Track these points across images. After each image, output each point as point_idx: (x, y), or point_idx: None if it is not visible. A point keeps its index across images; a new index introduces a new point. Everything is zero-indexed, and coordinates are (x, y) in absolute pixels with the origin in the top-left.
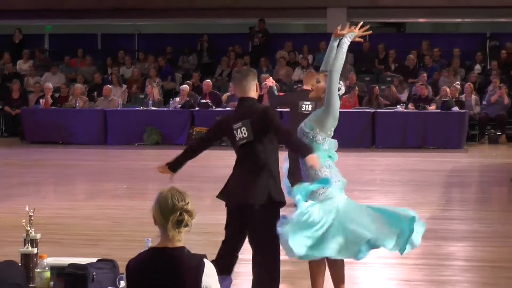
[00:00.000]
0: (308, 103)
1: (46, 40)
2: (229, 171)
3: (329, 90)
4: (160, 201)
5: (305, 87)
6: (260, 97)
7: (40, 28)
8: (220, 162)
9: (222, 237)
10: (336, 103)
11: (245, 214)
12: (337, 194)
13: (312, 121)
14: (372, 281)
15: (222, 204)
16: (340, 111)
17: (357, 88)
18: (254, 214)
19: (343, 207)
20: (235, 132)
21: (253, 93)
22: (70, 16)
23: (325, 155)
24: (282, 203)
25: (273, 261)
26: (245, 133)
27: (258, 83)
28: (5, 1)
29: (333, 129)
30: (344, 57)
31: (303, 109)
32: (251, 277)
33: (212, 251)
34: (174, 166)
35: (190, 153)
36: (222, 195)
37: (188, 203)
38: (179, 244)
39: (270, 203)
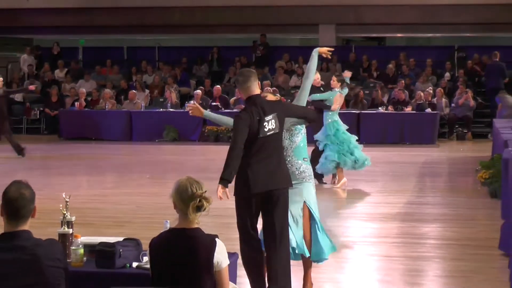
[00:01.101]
0: None
1: (80, 52)
2: None
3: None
4: (180, 189)
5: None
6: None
7: (75, 42)
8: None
9: (229, 219)
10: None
11: (270, 199)
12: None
13: (296, 122)
14: (356, 257)
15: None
16: None
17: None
18: (281, 197)
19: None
20: (265, 124)
21: (258, 91)
22: (100, 31)
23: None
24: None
25: (288, 240)
26: (273, 125)
27: (259, 82)
28: (46, 19)
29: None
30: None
31: None
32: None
33: (220, 231)
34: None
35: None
36: (247, 188)
37: (204, 190)
38: (195, 226)
39: (291, 185)
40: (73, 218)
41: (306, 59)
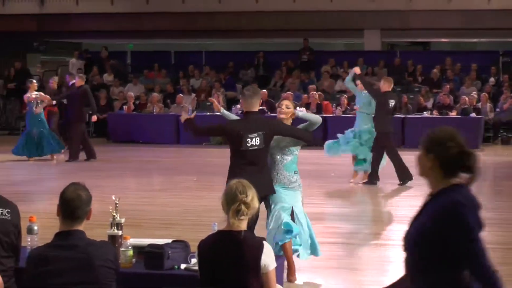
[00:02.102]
0: (393, 100)
1: (128, 56)
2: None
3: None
4: (226, 191)
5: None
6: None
7: (124, 46)
8: None
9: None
10: None
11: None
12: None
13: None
14: (400, 260)
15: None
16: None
17: None
18: (265, 202)
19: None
20: (248, 139)
21: (257, 108)
22: (148, 36)
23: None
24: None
25: None
26: (257, 142)
27: (260, 101)
28: (95, 23)
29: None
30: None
31: (390, 106)
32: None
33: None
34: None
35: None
36: None
37: (248, 196)
38: (242, 228)
39: (273, 192)
40: (123, 220)
41: (351, 64)
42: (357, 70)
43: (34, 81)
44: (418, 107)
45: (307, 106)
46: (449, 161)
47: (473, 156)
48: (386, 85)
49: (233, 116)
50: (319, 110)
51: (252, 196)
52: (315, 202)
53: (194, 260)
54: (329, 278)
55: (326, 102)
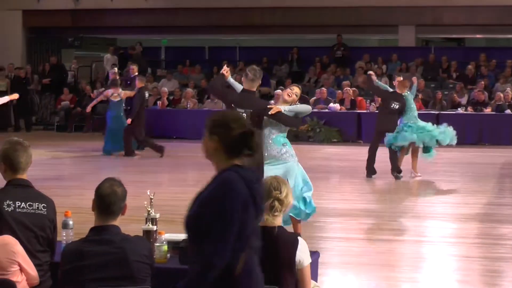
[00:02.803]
0: (397, 103)
1: (162, 52)
2: (314, 163)
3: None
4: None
5: (398, 90)
6: None
7: (157, 42)
8: (306, 155)
9: (310, 218)
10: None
11: None
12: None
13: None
14: (434, 257)
15: None
16: None
17: (420, 95)
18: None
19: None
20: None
21: (255, 88)
22: (182, 32)
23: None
24: None
25: None
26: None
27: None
28: (129, 19)
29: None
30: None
31: (391, 106)
32: (335, 253)
33: (302, 230)
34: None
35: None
36: None
37: (282, 192)
38: (277, 224)
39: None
40: (158, 215)
41: (386, 60)
42: (373, 76)
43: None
44: (452, 104)
45: (341, 102)
46: (232, 142)
47: (254, 135)
48: (399, 88)
49: (239, 86)
50: (353, 106)
51: (286, 192)
52: (348, 199)
53: None
54: (361, 274)
55: (360, 98)
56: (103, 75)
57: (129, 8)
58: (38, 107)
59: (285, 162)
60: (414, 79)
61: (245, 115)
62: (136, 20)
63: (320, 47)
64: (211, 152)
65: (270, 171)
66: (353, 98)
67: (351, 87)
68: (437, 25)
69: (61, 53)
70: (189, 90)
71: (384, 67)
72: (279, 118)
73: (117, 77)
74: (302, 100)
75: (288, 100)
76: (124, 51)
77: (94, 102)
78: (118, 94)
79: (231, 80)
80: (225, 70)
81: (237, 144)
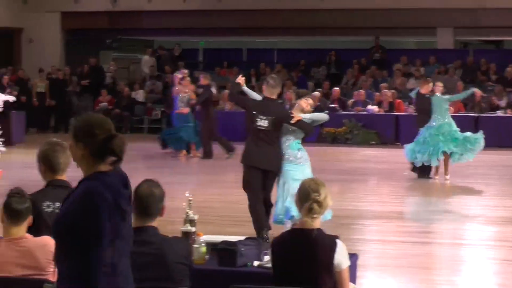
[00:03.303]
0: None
1: (200, 54)
2: (352, 165)
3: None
4: (300, 189)
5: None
6: None
7: (195, 43)
8: (344, 157)
9: (348, 220)
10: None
11: (266, 175)
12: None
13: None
14: (474, 260)
15: (348, 192)
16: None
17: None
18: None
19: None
20: (258, 119)
21: (275, 96)
22: (220, 33)
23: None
24: None
25: None
26: (265, 124)
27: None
28: (167, 20)
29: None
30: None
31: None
32: (373, 255)
33: (340, 232)
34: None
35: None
36: (243, 158)
37: (320, 194)
38: (316, 226)
39: (278, 170)
40: (196, 217)
41: (424, 62)
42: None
43: (188, 77)
44: (490, 106)
45: (379, 104)
46: (97, 148)
47: (118, 140)
48: (424, 88)
49: (255, 95)
50: (391, 108)
51: (325, 194)
52: (385, 201)
53: (267, 258)
54: (399, 277)
55: (398, 100)
56: (141, 77)
57: (166, 9)
58: (77, 108)
59: (301, 165)
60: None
61: (266, 121)
62: (173, 21)
63: (358, 49)
64: (78, 159)
65: (287, 171)
66: (391, 100)
67: (389, 89)
68: (475, 27)
69: (99, 54)
70: (227, 92)
71: (422, 69)
72: (300, 125)
73: (187, 78)
74: (341, 102)
75: (305, 110)
76: (166, 51)
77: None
78: (186, 93)
79: (245, 88)
80: (240, 79)
81: (102, 149)
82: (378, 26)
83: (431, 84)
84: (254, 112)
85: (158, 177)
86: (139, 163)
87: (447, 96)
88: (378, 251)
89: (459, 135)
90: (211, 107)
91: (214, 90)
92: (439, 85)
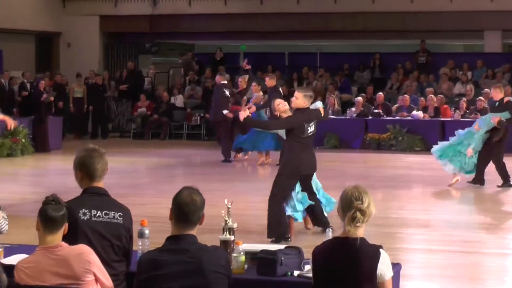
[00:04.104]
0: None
1: (241, 58)
2: (396, 172)
3: None
4: (342, 197)
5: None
6: None
7: (236, 47)
8: (388, 164)
9: (392, 229)
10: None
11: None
12: None
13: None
14: None
15: (392, 200)
16: None
17: None
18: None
19: None
20: (308, 127)
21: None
22: (262, 37)
23: None
24: None
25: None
26: (314, 129)
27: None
28: (207, 24)
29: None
30: None
31: None
32: (417, 265)
33: (384, 241)
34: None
35: None
36: (305, 169)
37: (363, 202)
38: (359, 235)
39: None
40: (235, 225)
41: (471, 66)
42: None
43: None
44: None
45: (425, 110)
46: None
47: None
48: (496, 93)
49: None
50: (436, 113)
51: (368, 202)
52: (430, 209)
53: (307, 267)
54: (446, 287)
55: (445, 106)
56: (180, 81)
57: (207, 13)
58: (115, 114)
59: None
60: None
61: (313, 126)
62: (214, 25)
63: (403, 53)
64: None
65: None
66: (437, 105)
67: (435, 94)
68: None
69: (138, 59)
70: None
71: (469, 73)
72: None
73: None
74: (385, 107)
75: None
76: (203, 57)
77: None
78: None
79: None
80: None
81: None
82: (423, 29)
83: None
84: (304, 124)
85: (198, 184)
86: (179, 170)
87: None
88: (423, 261)
89: None
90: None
91: (227, 92)
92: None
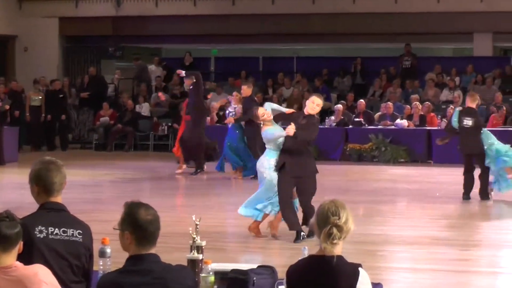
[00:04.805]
0: (469, 119)
1: (212, 63)
2: (379, 185)
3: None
4: (318, 212)
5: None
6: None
7: (207, 51)
8: (370, 177)
9: (374, 246)
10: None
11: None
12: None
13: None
14: None
15: (374, 215)
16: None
17: (504, 108)
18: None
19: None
20: None
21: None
22: (234, 40)
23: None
24: None
25: None
26: None
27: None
28: (175, 26)
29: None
30: None
31: (464, 123)
32: (402, 285)
33: (364, 260)
34: None
35: None
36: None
37: (340, 217)
38: (336, 253)
39: None
40: (204, 243)
41: (460, 71)
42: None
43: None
44: None
45: (410, 118)
46: None
47: None
48: (468, 101)
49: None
50: (422, 122)
51: (346, 217)
52: (416, 225)
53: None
54: None
55: (431, 114)
56: (146, 89)
57: (175, 14)
58: (75, 123)
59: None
60: None
61: None
62: (183, 27)
63: (386, 57)
64: None
65: None
66: (422, 113)
67: (420, 101)
68: None
69: (101, 64)
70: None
71: (457, 79)
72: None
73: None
74: (366, 116)
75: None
76: (170, 62)
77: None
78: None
79: (274, 106)
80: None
81: None
82: (408, 31)
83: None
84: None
85: (167, 198)
86: (145, 184)
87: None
88: (408, 281)
89: None
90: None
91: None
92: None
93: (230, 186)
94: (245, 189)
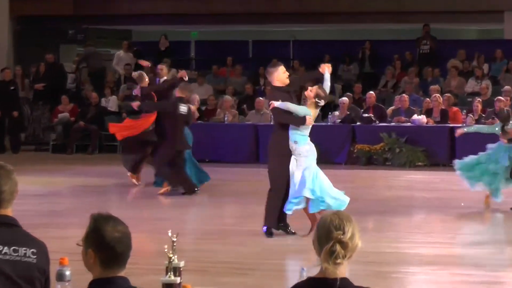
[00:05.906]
0: None
1: (192, 48)
2: (392, 194)
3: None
4: (319, 226)
5: None
6: None
7: (186, 34)
8: (381, 183)
9: (387, 267)
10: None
11: None
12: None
13: None
14: None
15: (386, 229)
16: None
17: None
18: None
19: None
20: None
21: None
22: (218, 21)
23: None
24: None
25: None
26: None
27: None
28: (150, 5)
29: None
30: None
31: None
32: None
33: (374, 282)
34: None
35: None
36: None
37: (345, 232)
38: (340, 275)
39: None
40: (182, 264)
41: (488, 56)
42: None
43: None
44: None
45: (429, 113)
46: None
47: None
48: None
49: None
50: (444, 118)
51: (351, 232)
52: (436, 241)
53: None
54: None
55: (454, 108)
56: (113, 79)
57: None
58: (29, 120)
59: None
60: None
61: None
62: (157, 6)
63: (401, 40)
64: None
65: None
66: (444, 107)
67: (441, 93)
68: None
69: (60, 49)
70: (228, 98)
71: (485, 66)
72: None
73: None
74: (377, 110)
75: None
76: (142, 47)
77: None
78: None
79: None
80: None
81: None
82: (426, 10)
83: None
84: None
85: (137, 211)
86: (110, 193)
87: None
88: None
89: None
90: None
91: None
92: None
93: (213, 195)
94: (229, 198)
